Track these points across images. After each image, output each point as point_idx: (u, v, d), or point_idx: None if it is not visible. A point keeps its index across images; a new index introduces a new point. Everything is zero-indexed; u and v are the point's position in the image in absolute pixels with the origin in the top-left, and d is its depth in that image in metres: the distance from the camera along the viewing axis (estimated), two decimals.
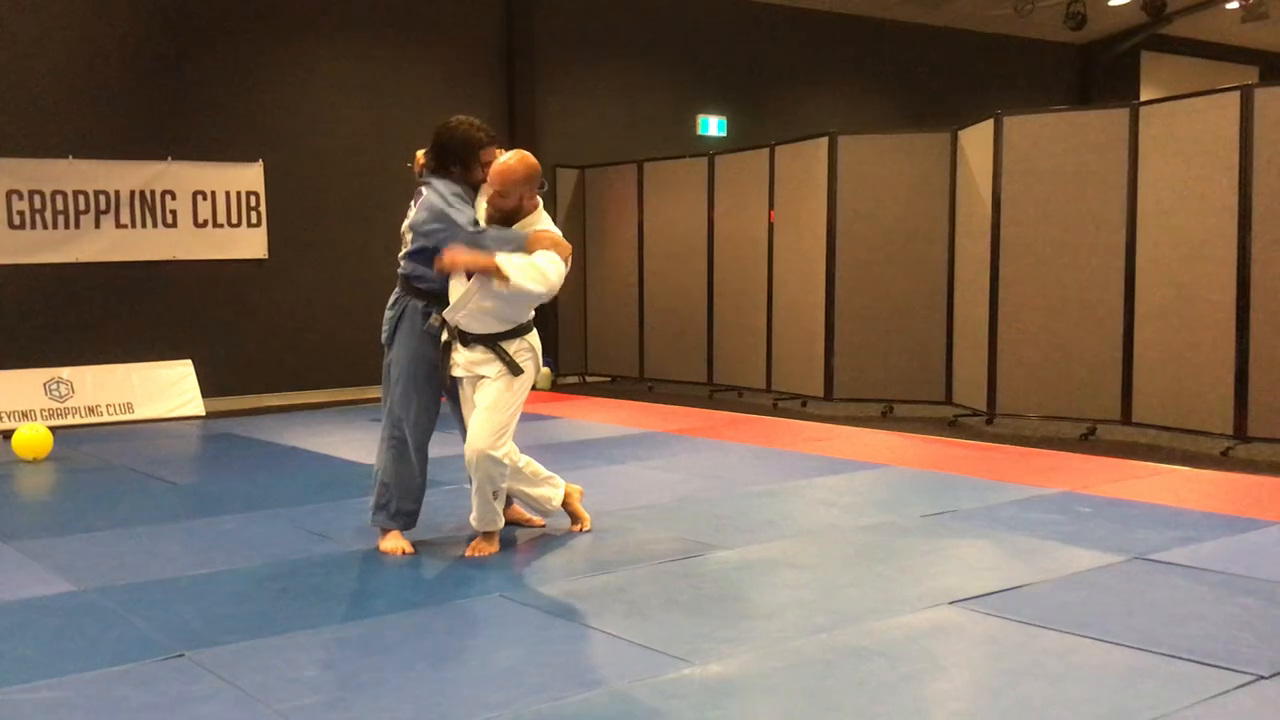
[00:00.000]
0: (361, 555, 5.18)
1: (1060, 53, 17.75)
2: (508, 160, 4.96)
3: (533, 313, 5.20)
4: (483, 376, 5.07)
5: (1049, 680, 3.51)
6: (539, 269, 4.85)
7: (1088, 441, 8.34)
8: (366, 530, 5.41)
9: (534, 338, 5.23)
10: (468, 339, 5.07)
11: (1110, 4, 15.32)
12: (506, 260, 4.76)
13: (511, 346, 5.10)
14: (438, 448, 5.84)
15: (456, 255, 4.82)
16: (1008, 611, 4.20)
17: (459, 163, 5.09)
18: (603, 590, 4.55)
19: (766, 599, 4.43)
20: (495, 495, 5.12)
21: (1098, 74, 18.02)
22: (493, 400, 5.04)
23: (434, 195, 5.06)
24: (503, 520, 5.27)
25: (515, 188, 4.95)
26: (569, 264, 4.98)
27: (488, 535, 5.22)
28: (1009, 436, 8.58)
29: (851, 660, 3.72)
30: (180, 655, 3.83)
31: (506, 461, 5.08)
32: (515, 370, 5.06)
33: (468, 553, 5.14)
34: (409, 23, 12.16)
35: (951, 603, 4.32)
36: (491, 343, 5.06)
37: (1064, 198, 8.54)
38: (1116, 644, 3.82)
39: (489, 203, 5.02)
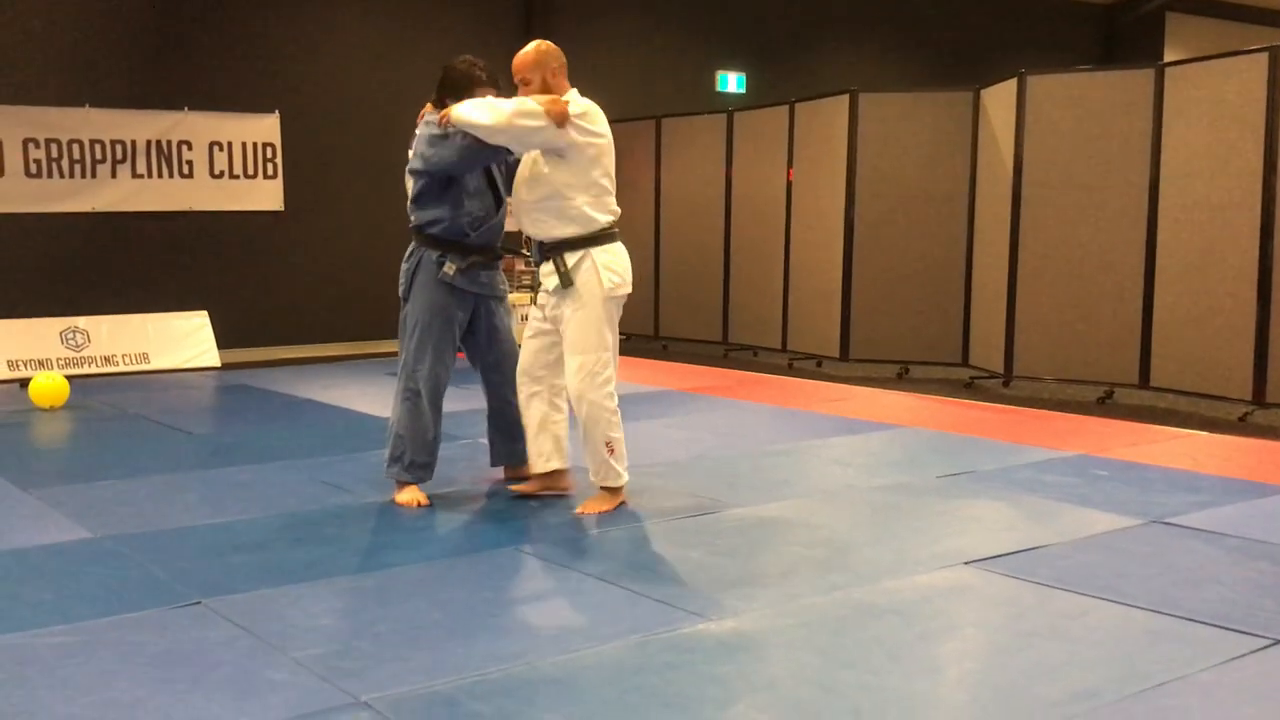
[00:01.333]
0: (377, 508, 5.18)
1: (1084, 12, 17.55)
2: (531, 48, 4.96)
3: (607, 219, 4.96)
4: (560, 304, 4.88)
5: (1065, 641, 3.50)
6: (491, 103, 4.73)
7: (1105, 405, 8.30)
8: (382, 482, 5.42)
9: (605, 251, 4.92)
10: (543, 250, 4.92)
11: None
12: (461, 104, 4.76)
13: (572, 259, 4.87)
14: (455, 402, 5.84)
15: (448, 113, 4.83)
16: (1023, 573, 4.18)
17: (455, 98, 5.04)
18: (618, 545, 4.55)
19: (781, 556, 4.43)
20: (608, 447, 4.90)
21: (1122, 35, 17.82)
22: (570, 338, 4.89)
23: (421, 129, 5.07)
24: (624, 476, 5.00)
25: (531, 71, 4.89)
26: (559, 121, 4.74)
27: (606, 491, 5.03)
28: (1026, 399, 8.54)
29: (866, 618, 3.71)
30: (197, 603, 3.85)
31: (610, 404, 4.89)
32: (566, 282, 4.81)
33: (578, 510, 4.96)
34: None
35: (967, 563, 4.31)
36: (554, 252, 4.87)
37: (1086, 159, 8.46)
38: (1133, 606, 3.81)
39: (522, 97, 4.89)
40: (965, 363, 9.58)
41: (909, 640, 3.52)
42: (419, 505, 5.15)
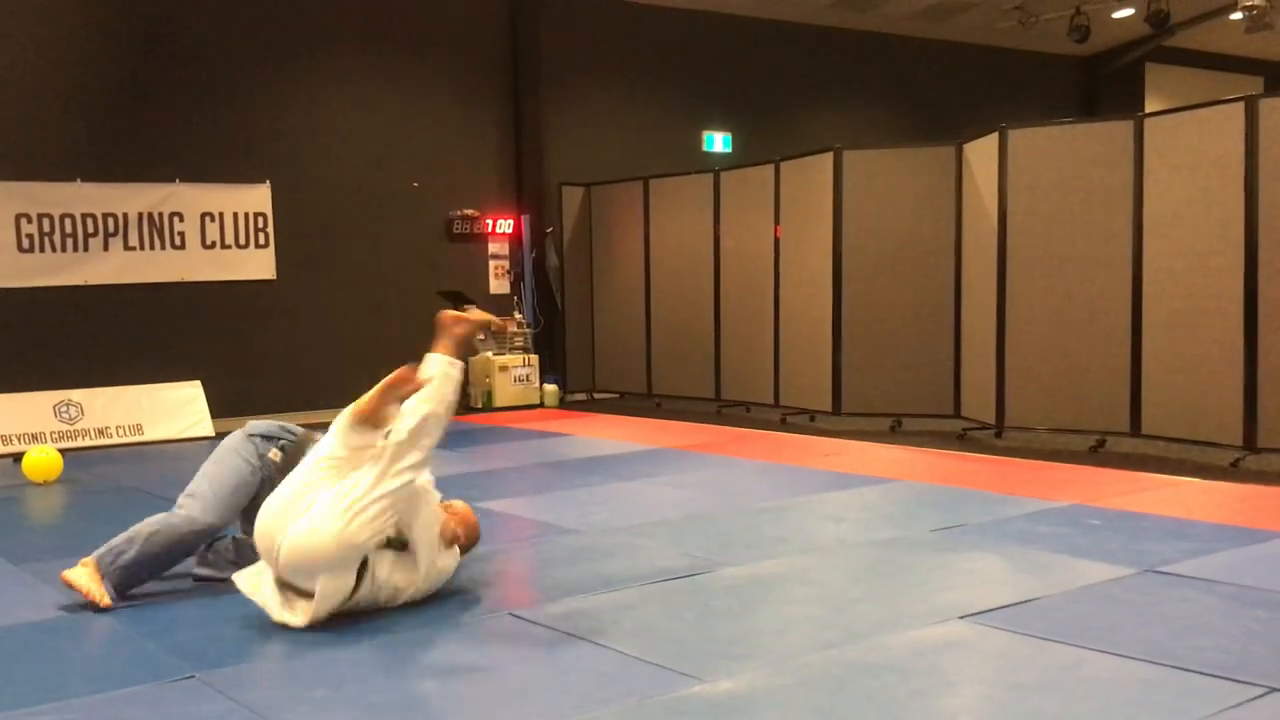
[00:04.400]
0: None
1: (1065, 65, 17.77)
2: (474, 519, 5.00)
3: None
4: None
5: (1060, 694, 3.50)
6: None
7: (1097, 454, 8.32)
8: None
9: None
10: None
11: (1114, 16, 15.35)
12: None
13: None
14: (457, 465, 5.82)
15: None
16: (1018, 625, 4.18)
17: None
18: (612, 607, 4.55)
19: (776, 615, 4.43)
20: None
21: (1102, 86, 18.04)
22: None
23: None
24: None
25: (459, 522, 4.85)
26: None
27: None
28: (1018, 449, 8.56)
29: (861, 676, 3.71)
30: (190, 677, 3.83)
31: None
32: None
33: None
34: (415, 43, 12.22)
35: (961, 617, 4.30)
36: None
37: (1070, 210, 8.54)
38: (1128, 657, 3.81)
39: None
40: (957, 414, 9.61)
41: (904, 697, 3.52)
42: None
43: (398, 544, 4.34)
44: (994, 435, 9.08)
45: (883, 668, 3.77)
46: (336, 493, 4.20)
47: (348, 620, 4.46)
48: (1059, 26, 15.05)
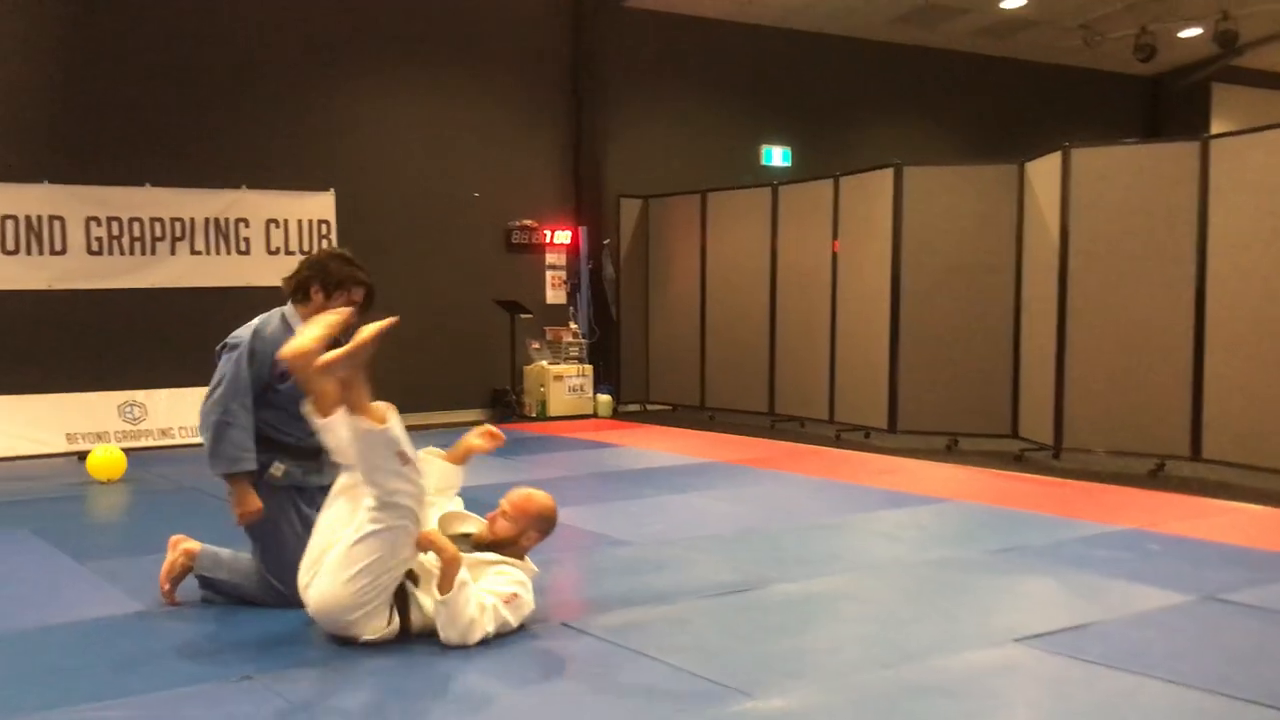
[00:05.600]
0: None
1: (1130, 85, 17.57)
2: (541, 498, 4.58)
3: None
4: None
5: None
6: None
7: (1156, 477, 8.22)
8: None
9: None
10: None
11: (1180, 35, 15.17)
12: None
13: None
14: (511, 474, 5.87)
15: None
16: (1074, 650, 4.15)
17: (326, 294, 4.76)
18: (664, 621, 4.56)
19: (829, 633, 4.42)
20: None
21: (1168, 106, 17.81)
22: None
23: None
24: None
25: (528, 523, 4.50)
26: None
27: None
28: (1076, 471, 8.47)
29: (914, 698, 3.69)
30: (248, 677, 3.90)
31: None
32: None
33: None
34: (477, 55, 12.32)
35: (1016, 640, 4.28)
36: None
37: (1132, 231, 8.46)
38: (1185, 685, 3.76)
39: (489, 521, 4.52)
40: (1015, 434, 9.53)
41: None
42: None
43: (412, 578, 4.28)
44: (1051, 456, 8.99)
45: (935, 690, 3.76)
46: (340, 545, 4.17)
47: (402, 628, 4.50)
48: (1124, 45, 14.89)
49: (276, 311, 4.87)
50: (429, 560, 4.27)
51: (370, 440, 4.10)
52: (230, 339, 4.80)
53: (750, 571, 5.35)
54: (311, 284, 4.77)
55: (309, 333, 4.27)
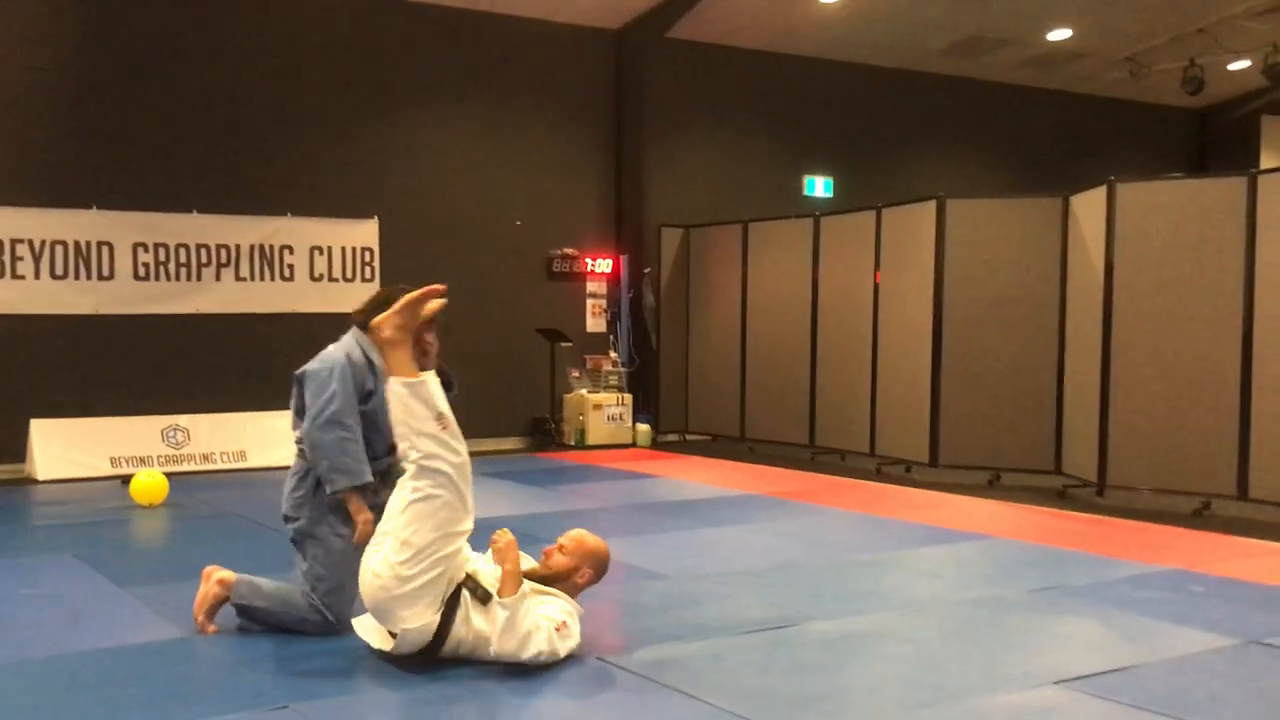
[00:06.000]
0: None
1: (1178, 117, 17.44)
2: (598, 539, 4.61)
3: None
4: None
5: None
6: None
7: (1201, 517, 8.11)
8: None
9: None
10: None
11: (1229, 68, 15.05)
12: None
13: None
14: (548, 503, 5.86)
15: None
16: (1114, 693, 4.09)
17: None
18: (699, 657, 4.54)
19: (865, 672, 4.38)
20: None
21: (1216, 139, 17.66)
22: None
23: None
24: None
25: (578, 557, 4.51)
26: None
27: None
28: (1119, 509, 8.36)
29: None
30: (284, 707, 3.91)
31: None
32: None
33: None
34: (520, 85, 12.41)
35: (1056, 682, 4.22)
36: None
37: (1178, 266, 8.37)
38: None
39: (545, 555, 4.54)
40: (1058, 470, 9.43)
41: None
42: None
43: (481, 594, 4.27)
44: (1095, 493, 8.88)
45: None
46: (385, 523, 4.25)
47: (441, 661, 4.50)
48: (1172, 78, 14.79)
49: (352, 338, 4.95)
50: (487, 575, 4.28)
51: (407, 396, 4.17)
52: (316, 364, 4.84)
53: (787, 608, 5.31)
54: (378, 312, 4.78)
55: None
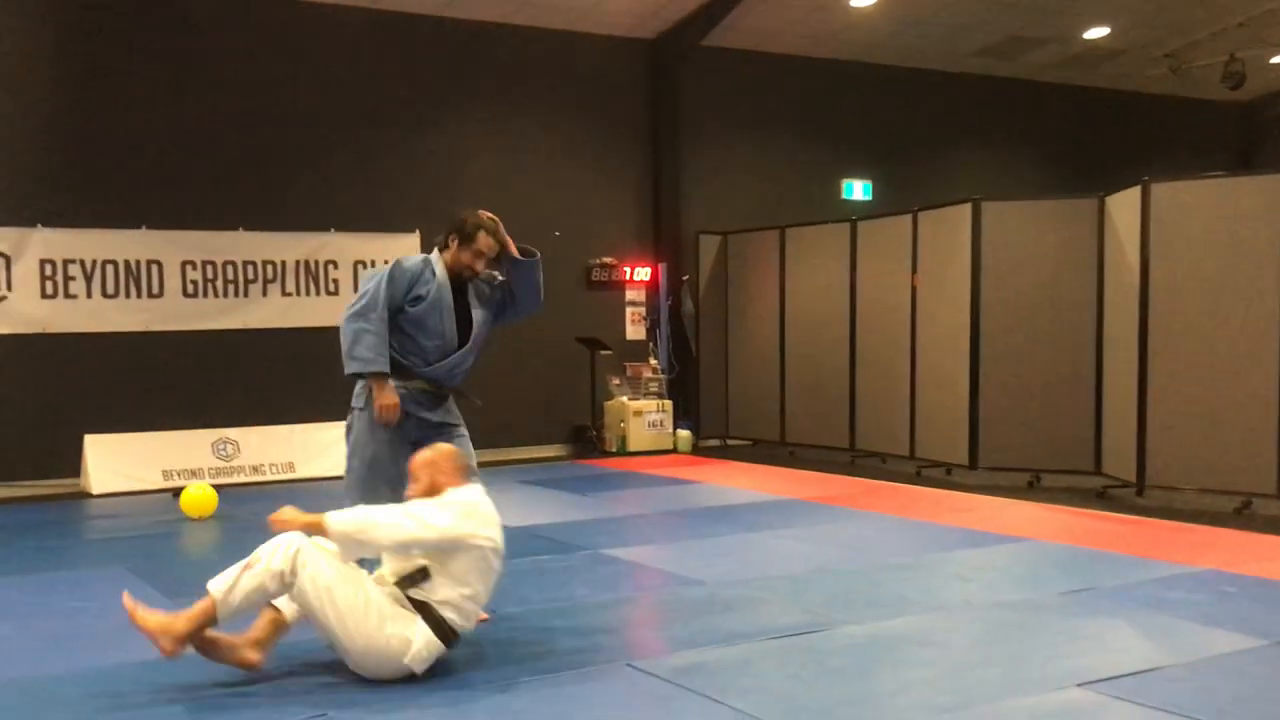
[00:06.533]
0: (502, 618, 5.33)
1: (1219, 112, 17.27)
2: (434, 452, 4.79)
3: None
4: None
5: None
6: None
7: (1242, 516, 8.08)
8: (511, 596, 5.58)
9: None
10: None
11: (1272, 61, 14.91)
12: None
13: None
14: (587, 511, 5.95)
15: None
16: (1138, 695, 4.13)
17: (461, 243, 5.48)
18: (727, 662, 4.62)
19: (891, 677, 4.45)
20: None
21: (1259, 133, 17.49)
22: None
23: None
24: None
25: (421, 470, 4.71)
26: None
27: None
28: (1159, 509, 8.35)
29: None
30: (324, 715, 4.04)
31: None
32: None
33: None
34: (557, 95, 12.55)
35: (1080, 684, 4.26)
36: None
37: (1216, 266, 8.35)
38: None
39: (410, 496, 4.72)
40: (1098, 471, 9.42)
41: None
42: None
43: (417, 576, 4.45)
44: (1135, 494, 8.87)
45: None
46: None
47: (471, 664, 4.62)
48: (1213, 73, 14.67)
49: (428, 254, 5.58)
50: (391, 569, 4.53)
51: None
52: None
53: (818, 613, 5.39)
54: (450, 234, 5.48)
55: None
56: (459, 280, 5.43)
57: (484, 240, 5.46)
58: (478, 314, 5.52)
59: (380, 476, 5.28)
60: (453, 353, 5.40)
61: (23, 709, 4.22)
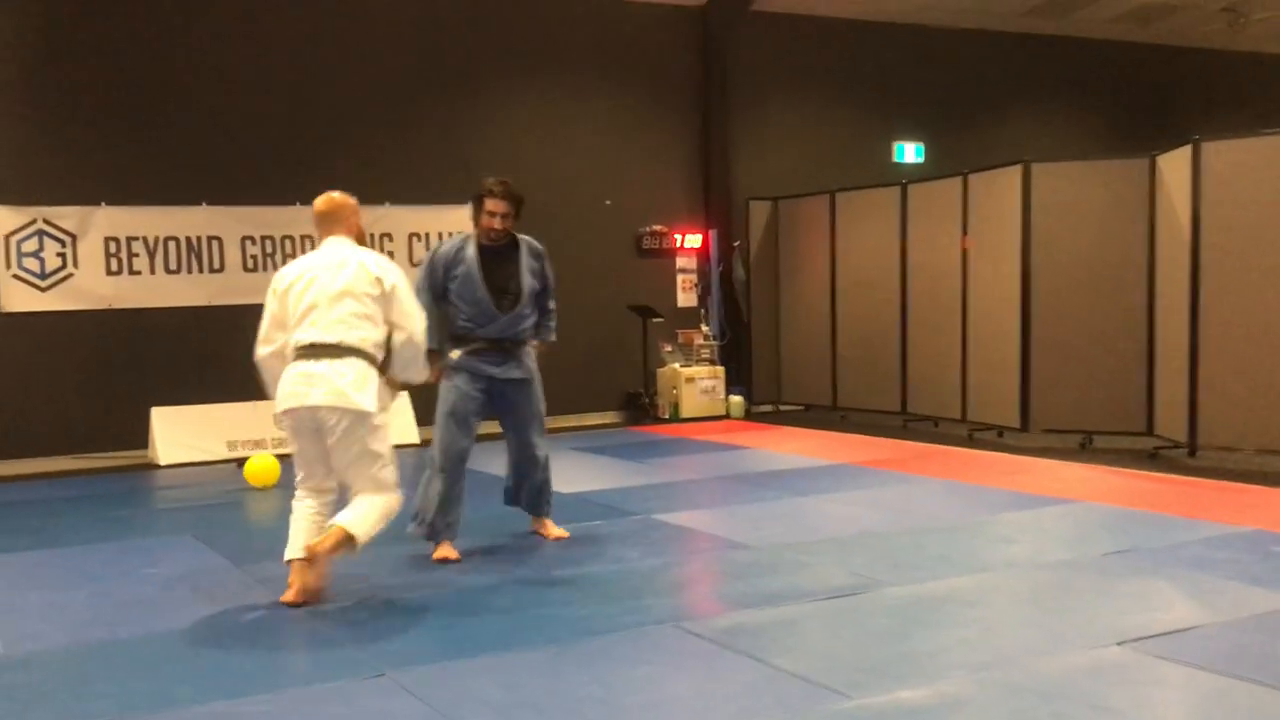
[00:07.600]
0: (556, 581, 5.49)
1: (1277, 65, 16.96)
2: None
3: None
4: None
5: None
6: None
7: None
8: (566, 560, 5.75)
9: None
10: None
11: None
12: None
13: None
14: (640, 476, 6.08)
15: None
16: (1176, 654, 4.20)
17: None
18: (772, 623, 4.75)
19: (931, 637, 4.55)
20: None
21: None
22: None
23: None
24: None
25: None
26: None
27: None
28: (1210, 470, 8.34)
29: (1006, 698, 3.81)
30: (382, 675, 4.22)
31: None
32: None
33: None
34: (606, 63, 12.61)
35: (1119, 643, 4.34)
36: None
37: (1268, 223, 8.29)
38: (1275, 689, 3.79)
39: None
40: (1150, 432, 9.41)
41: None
42: (449, 560, 5.98)
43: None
44: (1187, 454, 8.85)
45: (1028, 691, 3.87)
46: None
47: (523, 625, 4.78)
48: (1273, 27, 14.42)
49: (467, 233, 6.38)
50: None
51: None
52: None
53: (862, 575, 5.49)
54: (472, 207, 6.30)
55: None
56: (496, 246, 6.26)
57: (490, 203, 6.21)
58: (526, 278, 6.32)
59: (455, 419, 6.21)
60: (490, 312, 6.13)
61: (108, 672, 4.43)
